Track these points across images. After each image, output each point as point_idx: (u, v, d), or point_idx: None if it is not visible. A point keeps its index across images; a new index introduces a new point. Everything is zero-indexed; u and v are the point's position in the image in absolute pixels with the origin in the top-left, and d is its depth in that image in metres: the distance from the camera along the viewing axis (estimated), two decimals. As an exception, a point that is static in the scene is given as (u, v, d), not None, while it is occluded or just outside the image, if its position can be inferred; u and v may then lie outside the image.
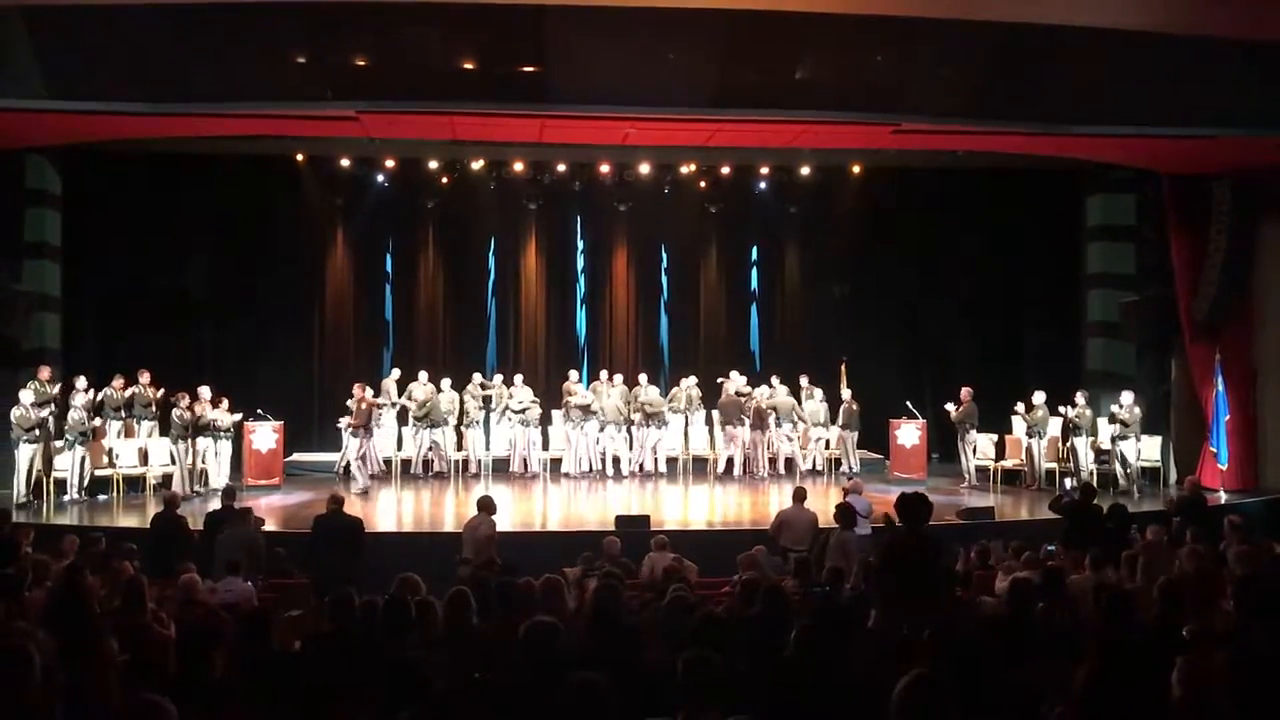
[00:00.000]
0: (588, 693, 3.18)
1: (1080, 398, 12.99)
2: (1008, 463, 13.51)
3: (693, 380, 14.66)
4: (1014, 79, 10.34)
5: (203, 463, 12.58)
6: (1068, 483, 12.50)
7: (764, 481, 13.57)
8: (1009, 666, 3.95)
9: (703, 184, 15.31)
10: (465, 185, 14.96)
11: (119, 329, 14.08)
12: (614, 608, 4.94)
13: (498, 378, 14.36)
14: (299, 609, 6.71)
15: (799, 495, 9.10)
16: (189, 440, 12.31)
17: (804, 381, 14.54)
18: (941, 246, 15.71)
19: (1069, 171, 14.36)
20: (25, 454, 11.37)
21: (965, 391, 13.38)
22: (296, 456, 14.00)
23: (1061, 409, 13.04)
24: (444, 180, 14.78)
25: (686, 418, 14.49)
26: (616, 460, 13.98)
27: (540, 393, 14.41)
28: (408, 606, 4.94)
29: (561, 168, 14.68)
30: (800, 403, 14.26)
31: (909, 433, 13.62)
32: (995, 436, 13.64)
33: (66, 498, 11.64)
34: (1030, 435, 13.11)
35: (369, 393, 12.98)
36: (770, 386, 14.24)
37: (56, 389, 11.83)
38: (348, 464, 12.96)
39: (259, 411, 12.96)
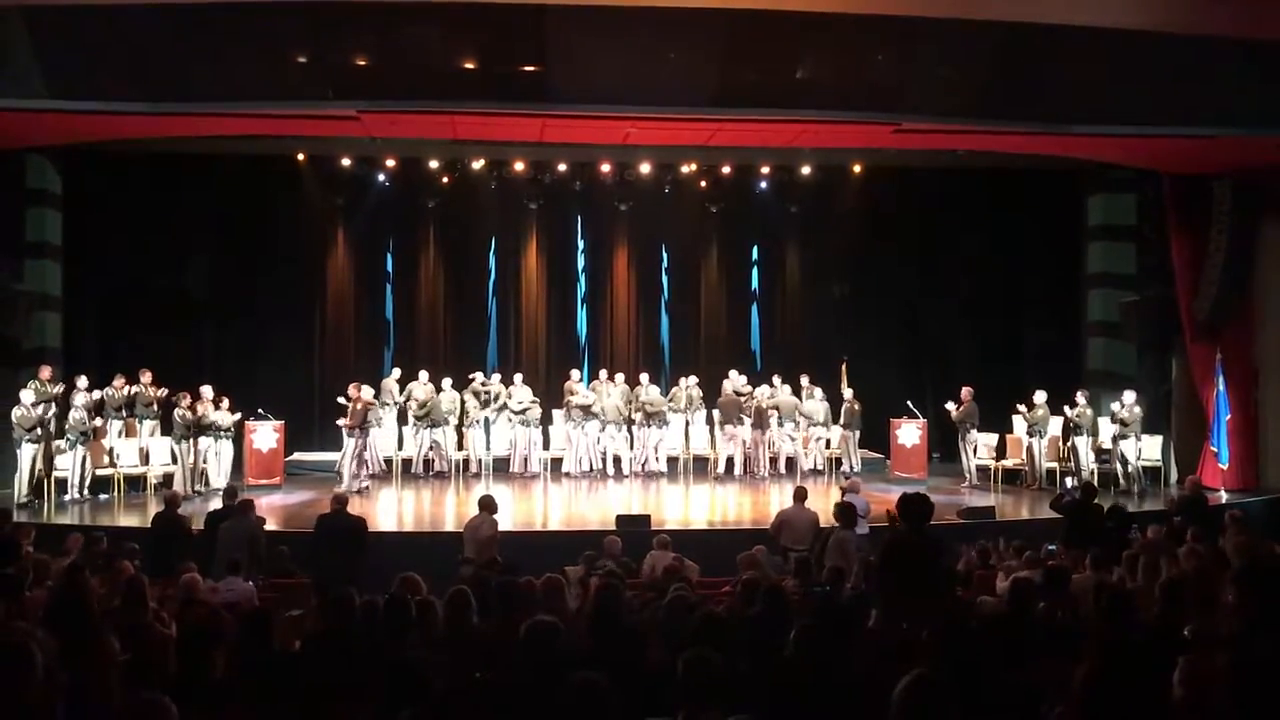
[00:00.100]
0: (588, 692, 3.18)
1: (1081, 397, 12.99)
2: (1008, 462, 13.51)
3: (693, 380, 14.66)
4: (1014, 79, 10.34)
5: (204, 462, 12.59)
6: (1068, 482, 12.50)
7: (764, 481, 13.57)
8: (1009, 666, 3.95)
9: (703, 183, 15.31)
10: (466, 185, 14.96)
11: (119, 329, 14.09)
12: (615, 608, 4.94)
13: (495, 377, 14.36)
14: (300, 609, 6.71)
15: (799, 495, 9.09)
16: (191, 440, 12.31)
17: (804, 381, 14.54)
18: (942, 246, 15.71)
19: (1070, 171, 14.36)
20: (27, 454, 11.38)
21: (966, 391, 13.38)
22: (297, 456, 14.01)
23: (1062, 409, 13.04)
24: (445, 180, 14.79)
25: (687, 418, 14.49)
26: (617, 460, 13.98)
27: (541, 392, 14.42)
28: (408, 606, 4.93)
29: (562, 167, 14.68)
30: (801, 402, 14.26)
31: (909, 432, 13.62)
32: (996, 436, 13.64)
33: (67, 497, 11.64)
34: (1031, 435, 13.11)
35: (368, 392, 12.94)
36: (772, 386, 14.25)
37: (57, 389, 11.83)
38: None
39: (260, 411, 12.96)
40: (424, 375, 14.04)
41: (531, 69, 10.33)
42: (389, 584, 5.56)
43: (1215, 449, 12.76)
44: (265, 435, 12.83)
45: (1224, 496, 12.15)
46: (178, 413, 12.22)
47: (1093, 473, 12.62)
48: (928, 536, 5.79)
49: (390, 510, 12.12)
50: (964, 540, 8.79)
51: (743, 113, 11.21)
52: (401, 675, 3.77)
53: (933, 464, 14.12)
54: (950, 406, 13.41)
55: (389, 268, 15.87)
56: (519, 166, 14.55)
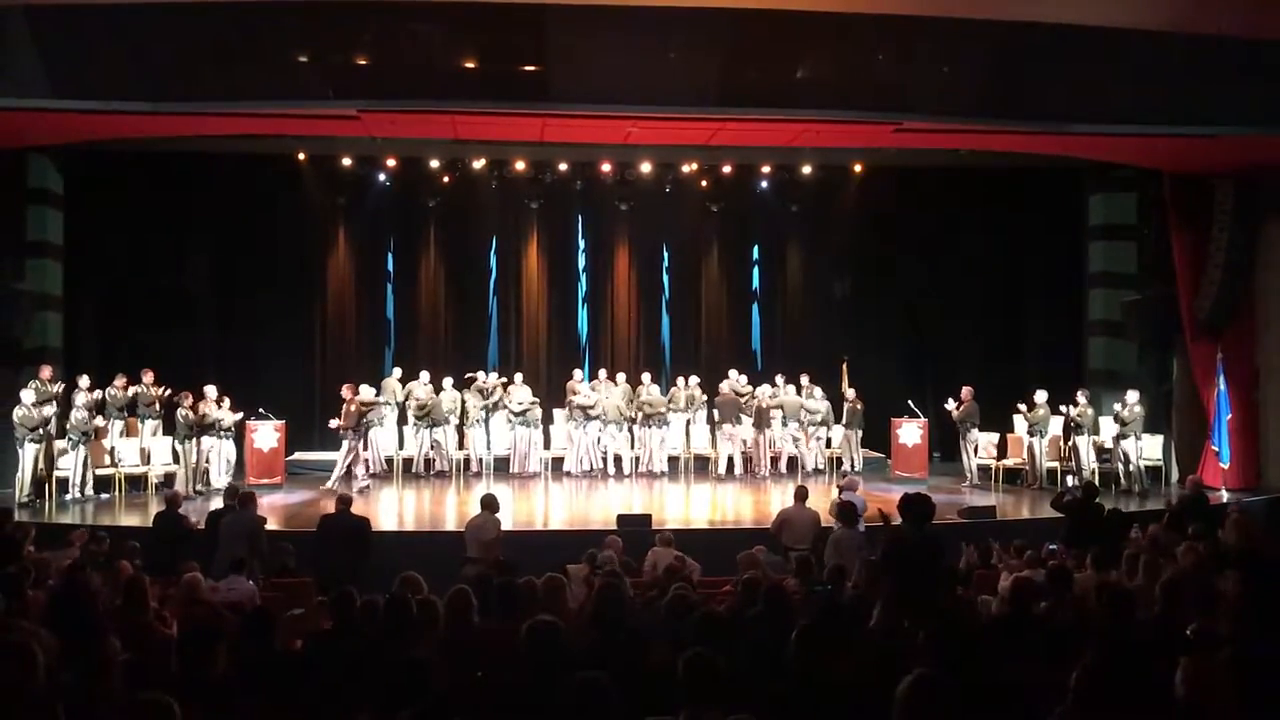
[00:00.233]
0: (590, 692, 3.18)
1: (1082, 396, 12.98)
2: (1009, 461, 13.51)
3: (694, 379, 14.66)
4: (1015, 78, 10.35)
5: (206, 462, 12.59)
6: (1069, 481, 12.52)
7: (765, 480, 13.57)
8: (1009, 666, 3.95)
9: (704, 183, 15.30)
10: (467, 184, 14.96)
11: (120, 328, 14.08)
12: (616, 608, 4.94)
13: (494, 376, 14.36)
14: (301, 608, 6.71)
15: (800, 494, 9.09)
16: (194, 439, 12.32)
17: (804, 380, 14.54)
18: (943, 245, 15.68)
19: (1071, 170, 14.35)
20: (28, 453, 11.38)
21: (966, 390, 13.38)
22: (298, 455, 14.01)
23: (1063, 408, 13.04)
24: (445, 179, 14.78)
25: (688, 417, 14.49)
26: (618, 459, 13.99)
27: (541, 392, 14.42)
28: (409, 605, 4.93)
29: (563, 167, 14.68)
30: (803, 401, 14.25)
31: (910, 432, 13.62)
32: (997, 435, 13.64)
33: (69, 497, 11.65)
34: (1032, 434, 13.10)
35: (367, 392, 12.89)
36: (774, 385, 14.25)
37: (58, 388, 11.84)
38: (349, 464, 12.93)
39: (260, 411, 12.96)
40: (424, 375, 14.05)
41: (532, 69, 10.34)
42: (390, 583, 5.56)
43: (1216, 448, 12.75)
44: (266, 435, 12.83)
45: (1225, 496, 12.15)
46: (180, 412, 12.22)
47: (1094, 472, 12.62)
48: (929, 536, 5.79)
49: (391, 510, 12.12)
50: (965, 540, 8.77)
51: (743, 112, 11.20)
52: (402, 675, 3.77)
53: (933, 463, 14.12)
54: (951, 406, 13.41)
55: (389, 267, 15.86)
56: (519, 166, 14.55)
